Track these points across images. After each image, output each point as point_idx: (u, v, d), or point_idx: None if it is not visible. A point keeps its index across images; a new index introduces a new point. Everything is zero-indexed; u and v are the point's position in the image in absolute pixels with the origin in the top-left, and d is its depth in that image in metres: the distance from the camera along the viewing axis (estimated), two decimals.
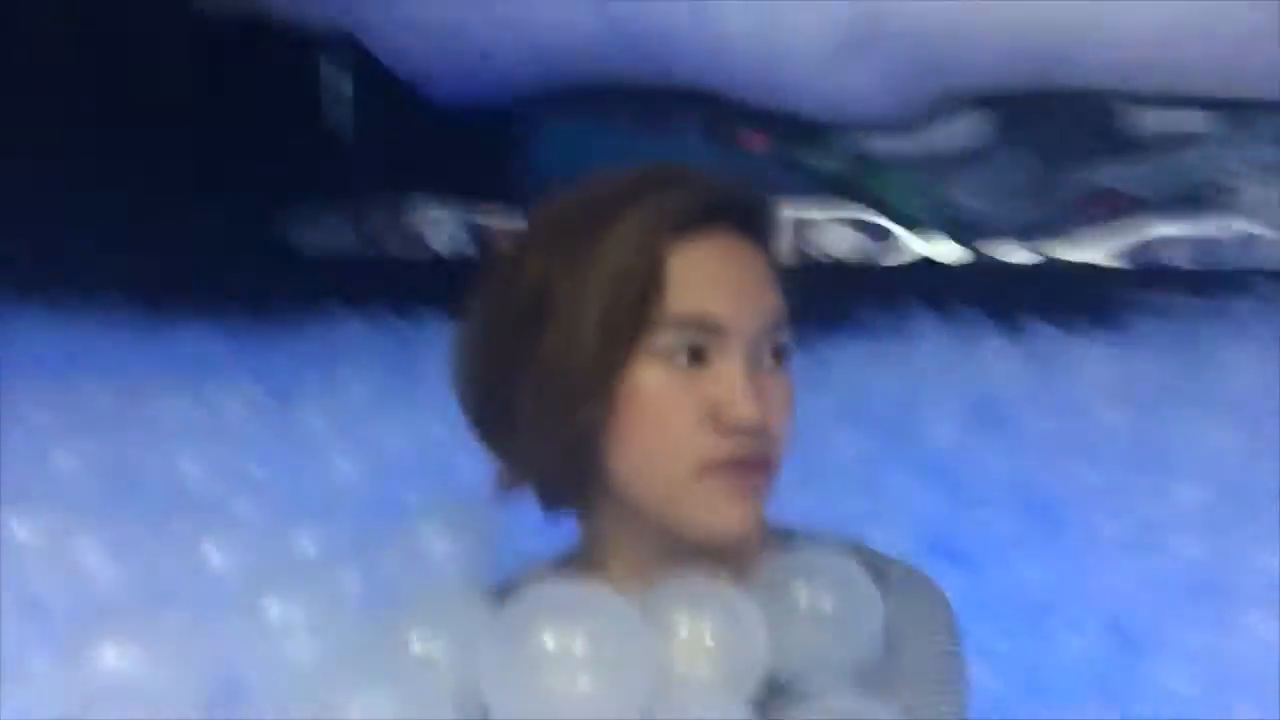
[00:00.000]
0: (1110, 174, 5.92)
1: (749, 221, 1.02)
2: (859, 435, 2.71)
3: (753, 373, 0.98)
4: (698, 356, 0.97)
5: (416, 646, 0.96)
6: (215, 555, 1.46)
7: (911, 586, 1.05)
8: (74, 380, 2.93)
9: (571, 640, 0.87)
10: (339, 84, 6.60)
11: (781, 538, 1.08)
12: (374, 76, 6.39)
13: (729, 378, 0.97)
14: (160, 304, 4.27)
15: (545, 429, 0.99)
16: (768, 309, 1.00)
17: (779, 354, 1.01)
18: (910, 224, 6.26)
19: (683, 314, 0.96)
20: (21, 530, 1.50)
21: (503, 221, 6.42)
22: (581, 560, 1.07)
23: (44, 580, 1.45)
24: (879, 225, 6.30)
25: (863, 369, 3.27)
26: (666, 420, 0.97)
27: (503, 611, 0.89)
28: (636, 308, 0.95)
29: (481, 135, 6.46)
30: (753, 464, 0.98)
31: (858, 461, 2.57)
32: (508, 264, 1.01)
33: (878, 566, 1.04)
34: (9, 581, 1.39)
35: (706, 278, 0.98)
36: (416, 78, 6.37)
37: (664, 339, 0.96)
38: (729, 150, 6.37)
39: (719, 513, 0.98)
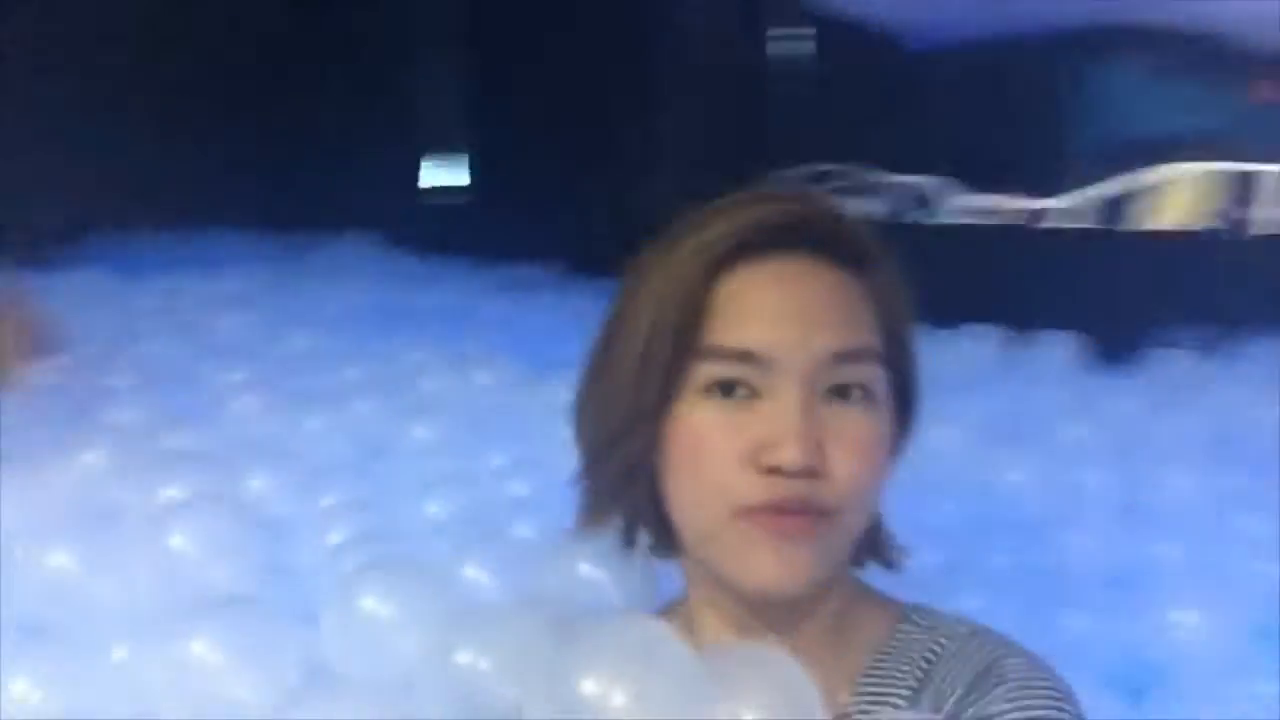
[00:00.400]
0: None
1: (827, 245, 0.94)
2: None
3: (806, 410, 0.89)
4: (743, 391, 0.90)
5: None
6: None
7: (1033, 684, 0.89)
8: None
9: (610, 690, 0.82)
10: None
11: (896, 609, 0.99)
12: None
13: (774, 415, 0.89)
14: None
15: (597, 465, 0.97)
16: (831, 340, 0.90)
17: (848, 390, 0.91)
18: None
19: (722, 346, 0.91)
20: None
21: None
22: (683, 607, 1.01)
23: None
24: None
25: None
26: (705, 459, 0.91)
27: (564, 646, 0.87)
28: (675, 340, 0.91)
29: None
30: (797, 510, 0.88)
31: None
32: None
33: (996, 655, 0.92)
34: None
35: (753, 308, 0.91)
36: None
37: (705, 373, 0.91)
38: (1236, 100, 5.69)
39: (749, 561, 0.90)
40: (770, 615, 0.93)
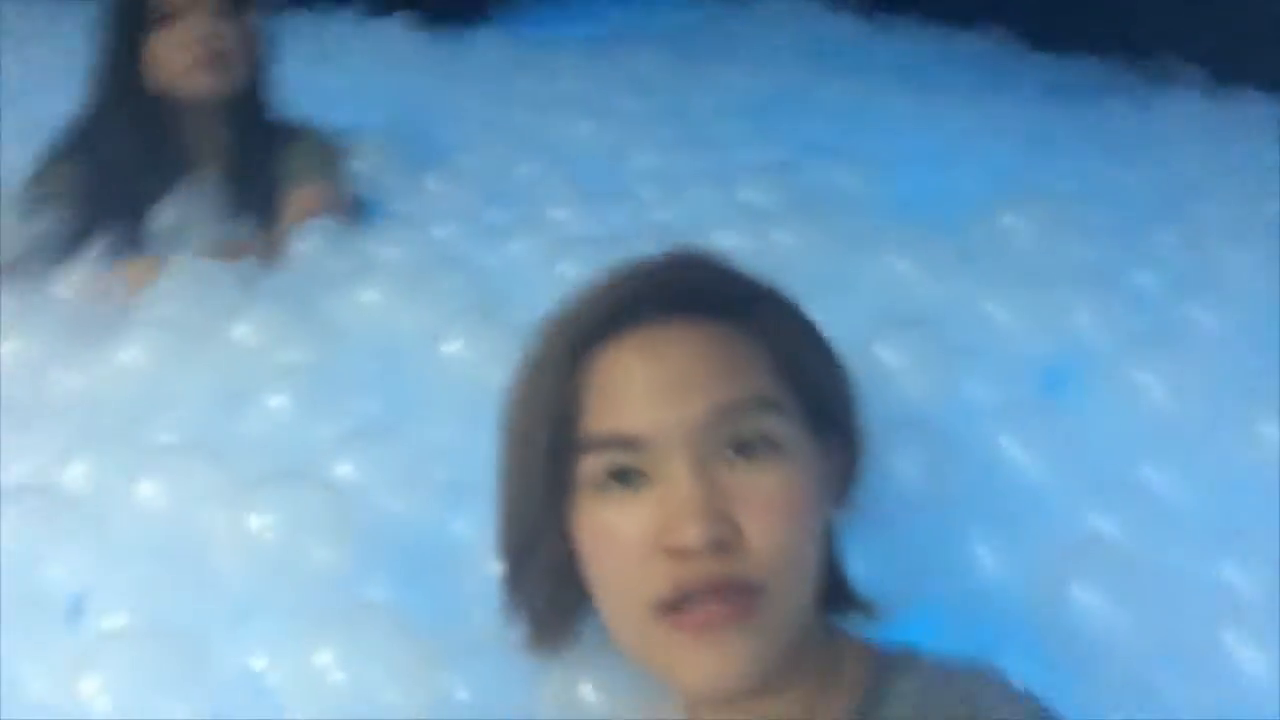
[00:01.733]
0: None
1: (694, 302, 0.89)
2: None
3: (701, 481, 0.82)
4: (638, 478, 0.85)
5: None
6: None
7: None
8: None
9: None
10: None
11: (876, 653, 0.91)
12: None
13: (669, 495, 0.83)
14: None
15: (519, 578, 0.93)
16: (711, 399, 0.84)
17: (749, 446, 0.84)
18: None
19: (599, 434, 0.86)
20: None
21: None
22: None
23: None
24: None
25: None
26: (611, 556, 0.85)
27: None
28: (553, 434, 0.86)
29: None
30: (719, 594, 0.81)
31: None
32: None
33: (972, 693, 0.85)
34: None
35: (624, 388, 0.86)
36: None
37: (592, 465, 0.86)
38: None
39: (682, 664, 0.83)
40: (745, 693, 0.85)
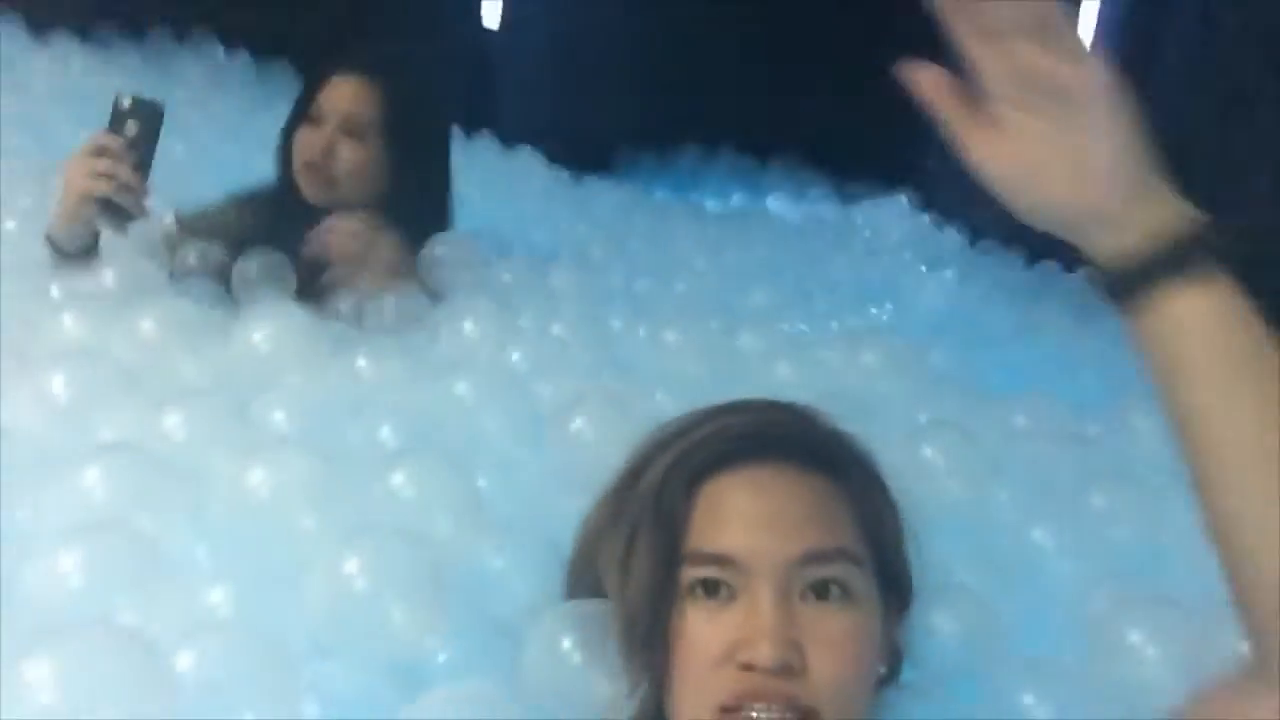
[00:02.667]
0: None
1: (800, 452, 1.00)
2: None
3: (780, 610, 0.93)
4: (725, 592, 0.96)
5: None
6: None
7: None
8: None
9: None
10: None
11: None
12: None
13: (750, 615, 0.94)
14: None
15: (629, 638, 1.00)
16: (802, 542, 0.96)
17: (825, 589, 0.95)
18: None
19: (699, 551, 0.97)
20: None
21: None
22: None
23: None
24: None
25: None
26: (692, 658, 0.95)
27: None
28: (661, 547, 0.97)
29: None
30: (778, 713, 0.91)
31: None
32: None
33: None
34: None
35: (729, 515, 0.98)
36: None
37: (689, 575, 0.97)
38: None
39: None
40: None
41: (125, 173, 1.79)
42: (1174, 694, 0.91)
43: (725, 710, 0.93)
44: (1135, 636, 1.18)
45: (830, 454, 1.02)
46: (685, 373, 1.79)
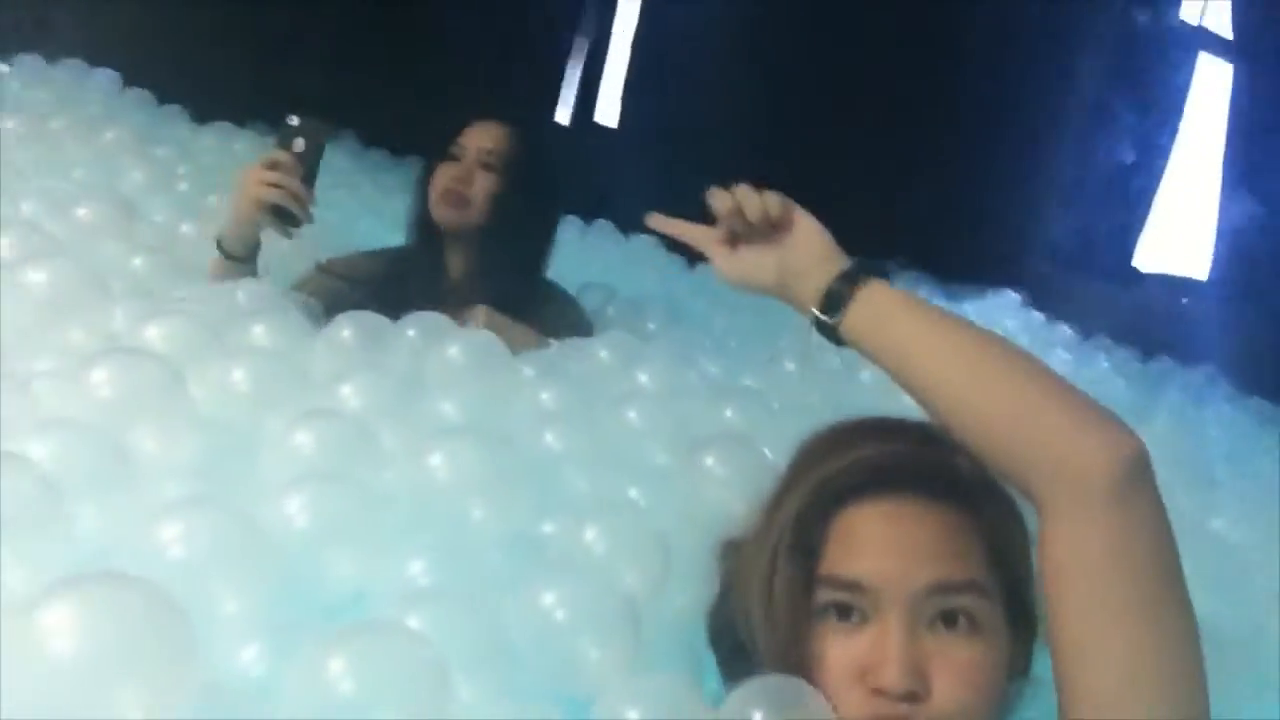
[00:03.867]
0: None
1: (935, 484, 1.05)
2: None
3: (908, 637, 0.99)
4: (856, 616, 1.02)
5: None
6: None
7: None
8: None
9: None
10: None
11: None
12: None
13: (879, 640, 1.00)
14: None
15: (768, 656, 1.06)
16: (933, 573, 1.01)
17: (954, 618, 1.01)
18: None
19: (832, 576, 1.03)
20: None
21: None
22: None
23: None
24: None
25: None
26: (825, 677, 1.02)
27: None
28: (798, 569, 1.04)
29: None
30: None
31: None
32: None
33: None
34: None
35: (861, 541, 1.03)
36: None
37: (823, 597, 1.03)
38: None
39: None
40: None
41: (294, 183, 2.00)
42: None
43: None
44: None
45: (962, 486, 1.06)
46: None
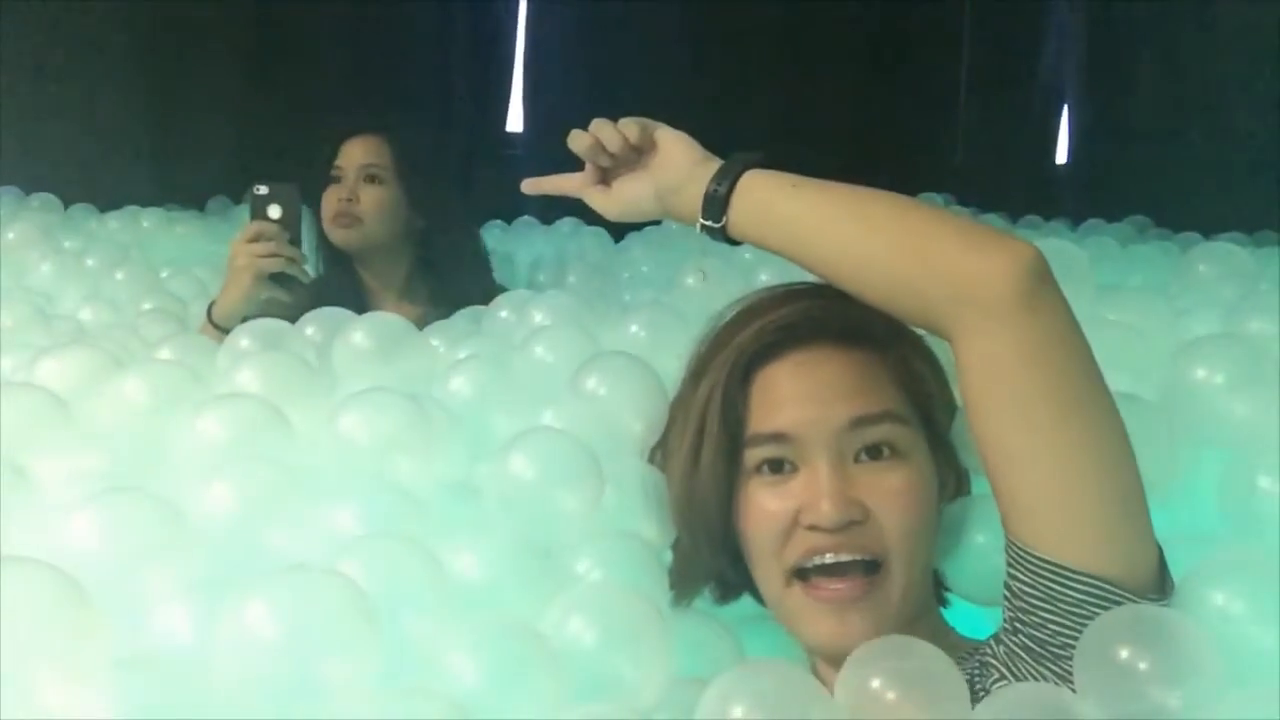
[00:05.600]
0: None
1: (842, 332, 1.10)
2: None
3: (836, 472, 1.05)
4: (788, 467, 1.08)
5: None
6: None
7: None
8: None
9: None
10: None
11: (974, 646, 1.09)
12: None
13: (810, 481, 1.06)
14: None
15: (693, 542, 1.14)
16: (848, 409, 1.07)
17: (878, 450, 1.07)
18: None
19: (758, 434, 1.09)
20: None
21: None
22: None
23: None
24: None
25: None
26: (761, 528, 1.08)
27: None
28: (726, 433, 1.10)
29: None
30: (842, 566, 1.04)
31: None
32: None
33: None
34: None
35: (780, 395, 1.09)
36: None
37: (753, 456, 1.09)
38: None
39: (810, 625, 1.06)
40: None
41: (287, 248, 2.05)
42: None
43: (799, 571, 1.05)
44: None
45: (867, 329, 1.11)
46: None
